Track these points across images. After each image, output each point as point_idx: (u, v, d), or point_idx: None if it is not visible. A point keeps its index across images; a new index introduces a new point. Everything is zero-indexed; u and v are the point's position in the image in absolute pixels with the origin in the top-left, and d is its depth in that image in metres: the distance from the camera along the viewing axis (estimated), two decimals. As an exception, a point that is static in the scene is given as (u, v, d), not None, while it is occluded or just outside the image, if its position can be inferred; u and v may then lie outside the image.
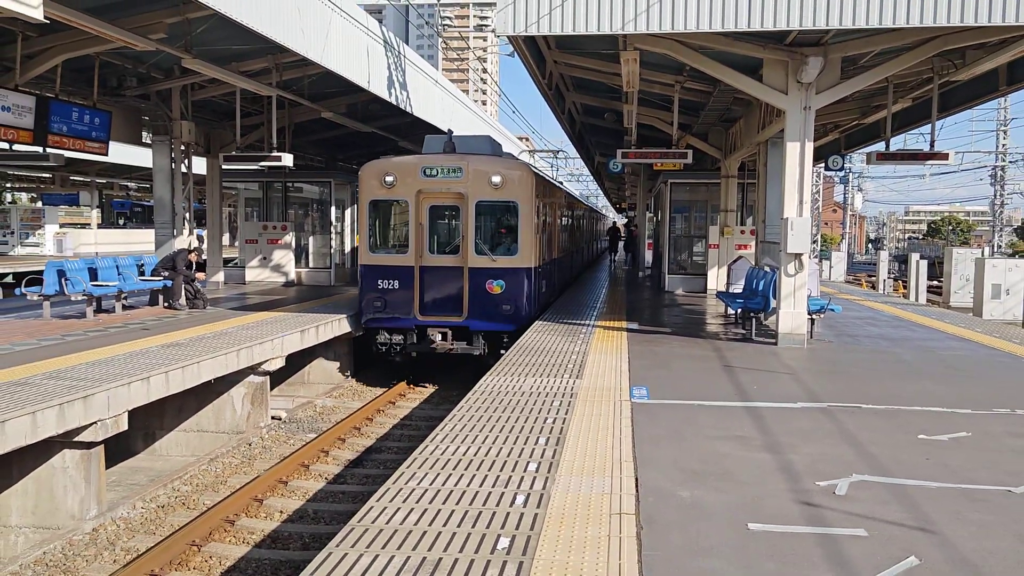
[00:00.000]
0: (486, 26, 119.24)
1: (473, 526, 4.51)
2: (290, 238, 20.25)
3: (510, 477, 5.36)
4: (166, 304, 14.58)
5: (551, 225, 17.05)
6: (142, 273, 14.72)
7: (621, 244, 38.34)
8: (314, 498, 8.88)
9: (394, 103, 17.77)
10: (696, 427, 6.81)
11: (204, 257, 19.49)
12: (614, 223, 47.19)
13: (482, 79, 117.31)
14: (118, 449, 9.83)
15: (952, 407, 7.66)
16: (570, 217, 22.91)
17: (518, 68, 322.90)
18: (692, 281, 20.22)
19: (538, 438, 6.33)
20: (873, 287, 30.31)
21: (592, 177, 48.58)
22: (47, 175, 37.54)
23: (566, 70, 15.16)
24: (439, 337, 13.53)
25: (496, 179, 13.37)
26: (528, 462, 5.69)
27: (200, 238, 21.33)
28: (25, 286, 13.07)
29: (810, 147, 10.95)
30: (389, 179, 13.58)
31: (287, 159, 15.93)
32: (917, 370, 9.75)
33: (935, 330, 13.47)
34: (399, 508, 4.78)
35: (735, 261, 16.63)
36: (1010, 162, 43.95)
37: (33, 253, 33.30)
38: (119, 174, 36.68)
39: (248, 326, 12.37)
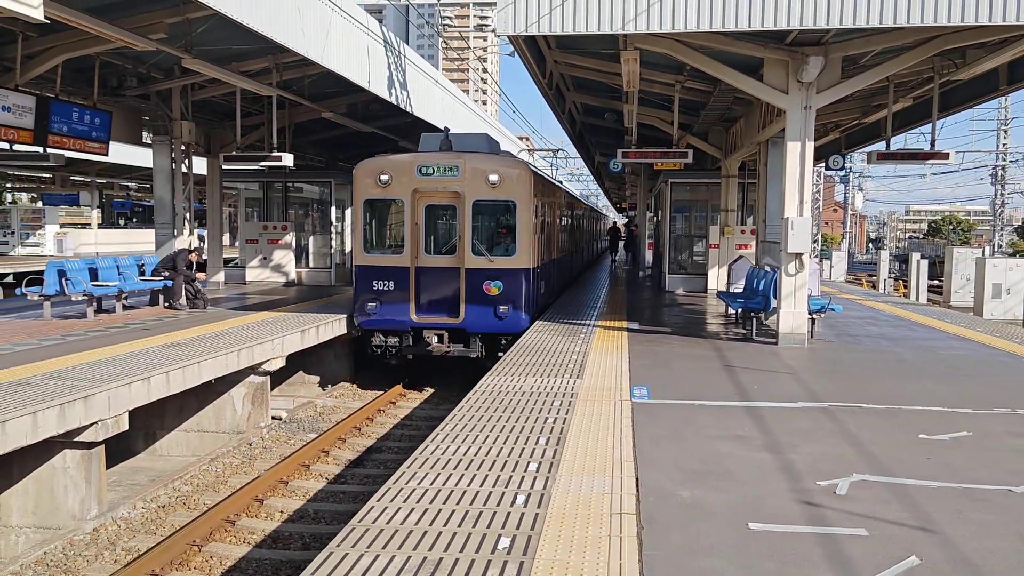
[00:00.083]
0: (486, 26, 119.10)
1: (474, 526, 4.51)
2: (290, 238, 20.25)
3: (511, 477, 5.36)
4: (166, 304, 14.58)
5: (550, 225, 16.86)
6: (142, 273, 14.73)
7: (621, 244, 38.33)
8: (315, 498, 8.87)
9: (394, 103, 17.77)
10: (697, 427, 6.81)
11: (204, 257, 19.50)
12: (614, 223, 47.24)
13: (482, 79, 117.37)
14: (119, 449, 9.83)
15: (953, 407, 7.66)
16: (570, 217, 22.80)
17: (518, 68, 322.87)
18: (692, 281, 20.20)
19: (539, 438, 6.33)
20: (874, 287, 30.31)
21: (592, 177, 48.57)
22: (47, 175, 37.54)
23: (566, 70, 15.14)
24: (435, 339, 13.29)
25: (494, 177, 13.03)
26: (529, 462, 5.69)
27: (200, 238, 21.40)
28: (25, 286, 13.07)
29: (811, 146, 10.95)
30: (384, 178, 13.21)
31: (287, 159, 15.93)
32: (918, 370, 9.75)
33: (936, 330, 13.47)
34: (400, 508, 4.78)
35: (735, 261, 16.63)
36: (1011, 161, 43.94)
37: (33, 253, 33.29)
38: (119, 174, 36.68)
39: (248, 326, 12.37)
